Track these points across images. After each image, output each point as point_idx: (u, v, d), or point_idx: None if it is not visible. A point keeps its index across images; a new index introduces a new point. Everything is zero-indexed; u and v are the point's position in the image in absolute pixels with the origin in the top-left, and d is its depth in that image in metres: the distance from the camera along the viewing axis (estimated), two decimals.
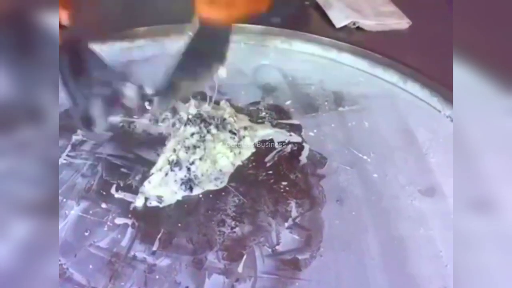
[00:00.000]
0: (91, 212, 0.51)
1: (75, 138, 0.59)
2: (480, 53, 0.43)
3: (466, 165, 0.40)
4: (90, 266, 0.46)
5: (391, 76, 0.72)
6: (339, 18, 0.80)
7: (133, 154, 0.57)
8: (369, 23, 0.80)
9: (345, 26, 0.80)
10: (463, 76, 0.42)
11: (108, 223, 0.50)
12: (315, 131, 0.62)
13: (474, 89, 0.43)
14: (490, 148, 0.40)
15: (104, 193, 0.53)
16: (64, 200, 0.52)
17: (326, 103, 0.68)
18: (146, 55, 0.75)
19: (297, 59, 0.77)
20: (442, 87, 0.67)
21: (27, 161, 0.38)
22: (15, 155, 0.39)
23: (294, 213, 0.52)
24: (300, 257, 0.47)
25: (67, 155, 0.57)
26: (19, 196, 0.37)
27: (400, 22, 0.82)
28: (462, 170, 0.39)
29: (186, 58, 0.50)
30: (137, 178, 0.54)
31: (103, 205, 0.51)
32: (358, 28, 0.81)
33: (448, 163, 0.56)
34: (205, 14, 0.46)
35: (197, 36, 0.49)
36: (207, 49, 0.50)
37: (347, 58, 0.76)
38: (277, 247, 0.48)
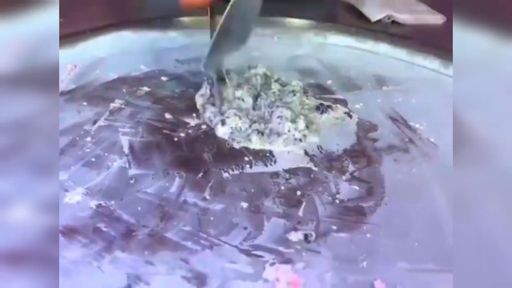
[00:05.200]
0: (134, 164, 0.48)
1: (112, 105, 0.57)
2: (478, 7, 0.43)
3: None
4: (139, 208, 0.42)
5: (431, 63, 0.71)
6: (374, 12, 0.80)
7: (174, 118, 0.55)
8: (404, 17, 0.80)
9: (379, 21, 0.80)
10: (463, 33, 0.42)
11: (154, 173, 0.46)
12: (361, 104, 0.60)
13: (474, 46, 0.42)
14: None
15: (146, 149, 0.50)
16: (106, 154, 0.49)
17: (368, 84, 0.66)
18: (175, 46, 0.75)
19: (333, 50, 0.75)
20: None
21: None
22: None
23: (351, 168, 0.48)
24: (364, 204, 0.44)
25: (105, 119, 0.54)
26: None
27: (435, 18, 0.81)
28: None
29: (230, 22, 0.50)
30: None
31: (147, 159, 0.48)
32: (393, 22, 0.80)
33: None
34: None
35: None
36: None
37: (384, 48, 0.74)
38: (337, 196, 0.45)
